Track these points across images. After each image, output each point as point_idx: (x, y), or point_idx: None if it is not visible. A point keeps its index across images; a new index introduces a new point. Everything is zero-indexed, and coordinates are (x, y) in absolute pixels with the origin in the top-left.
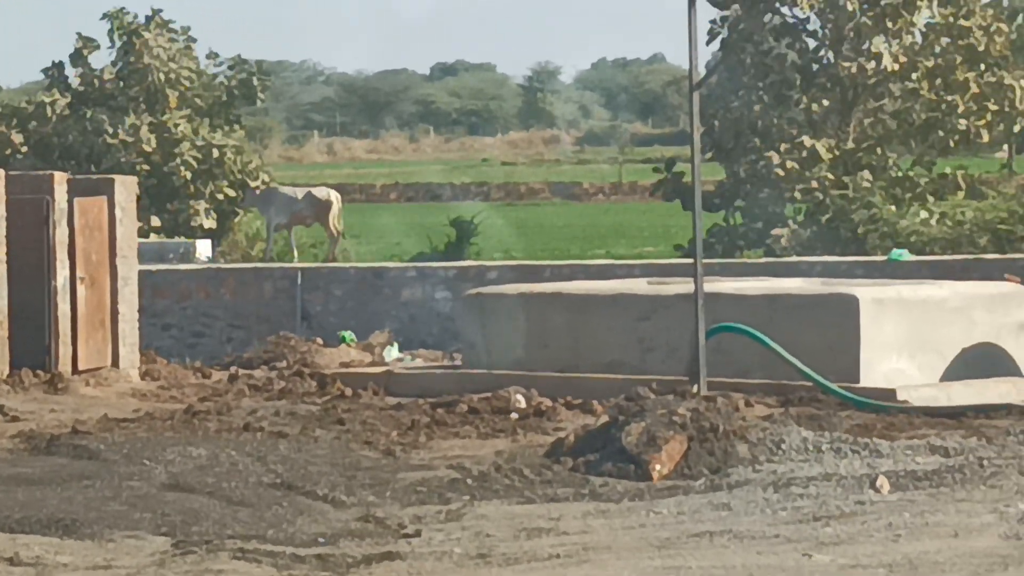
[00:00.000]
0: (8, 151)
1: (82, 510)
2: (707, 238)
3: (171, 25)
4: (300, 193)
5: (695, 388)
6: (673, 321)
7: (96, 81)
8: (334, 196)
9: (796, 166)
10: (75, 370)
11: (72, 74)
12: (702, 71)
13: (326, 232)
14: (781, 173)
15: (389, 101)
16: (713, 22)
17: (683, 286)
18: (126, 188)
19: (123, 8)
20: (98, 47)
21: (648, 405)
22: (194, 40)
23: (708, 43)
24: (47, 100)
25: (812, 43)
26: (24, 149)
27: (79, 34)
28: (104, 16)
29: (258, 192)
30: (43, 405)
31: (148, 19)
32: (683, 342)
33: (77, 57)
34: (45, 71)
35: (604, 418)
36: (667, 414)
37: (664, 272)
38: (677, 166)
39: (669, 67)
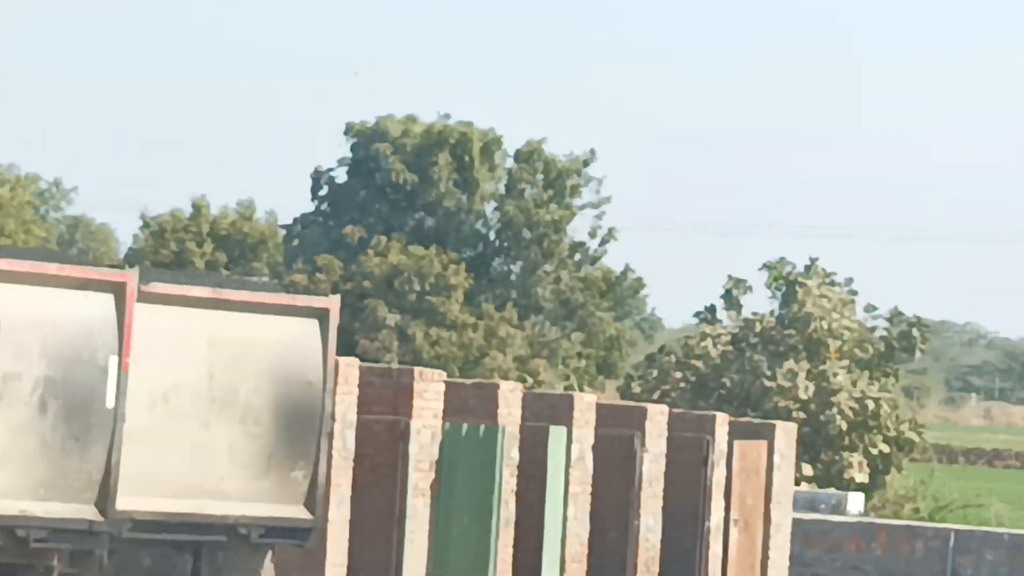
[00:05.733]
0: (668, 387)
1: None
2: None
3: (832, 276)
4: None
5: None
6: None
7: (757, 324)
8: None
9: None
10: None
11: (724, 317)
12: None
13: None
14: None
15: None
16: None
17: None
18: (786, 434)
19: (783, 258)
20: (750, 289)
21: None
22: (855, 292)
23: None
24: (711, 335)
25: None
26: (682, 385)
27: (730, 276)
28: (764, 266)
29: None
30: None
31: (807, 268)
32: None
33: (728, 298)
34: (697, 314)
35: None
36: None
37: None
38: None
39: None
